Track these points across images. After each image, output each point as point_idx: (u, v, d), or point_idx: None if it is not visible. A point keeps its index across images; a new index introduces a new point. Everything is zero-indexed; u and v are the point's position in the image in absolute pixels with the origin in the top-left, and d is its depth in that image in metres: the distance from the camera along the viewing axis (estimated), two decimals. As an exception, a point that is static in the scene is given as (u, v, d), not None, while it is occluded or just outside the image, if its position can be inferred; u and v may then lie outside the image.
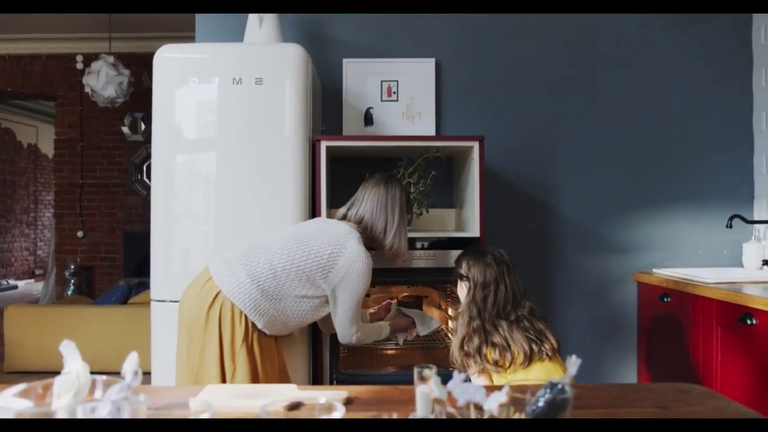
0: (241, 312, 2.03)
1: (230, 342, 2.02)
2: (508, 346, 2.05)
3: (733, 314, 2.47)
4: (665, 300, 2.98)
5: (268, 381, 2.05)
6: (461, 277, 2.27)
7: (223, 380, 2.00)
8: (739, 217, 3.13)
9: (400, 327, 2.67)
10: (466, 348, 2.12)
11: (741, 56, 3.36)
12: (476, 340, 2.09)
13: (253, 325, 2.06)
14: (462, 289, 2.28)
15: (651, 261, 3.31)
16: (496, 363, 2.05)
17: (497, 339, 2.07)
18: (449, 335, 3.09)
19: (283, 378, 2.16)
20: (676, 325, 2.92)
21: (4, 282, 9.75)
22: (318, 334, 2.70)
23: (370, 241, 2.32)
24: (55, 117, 6.92)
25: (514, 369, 2.03)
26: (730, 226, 3.11)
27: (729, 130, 3.35)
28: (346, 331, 2.22)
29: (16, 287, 9.98)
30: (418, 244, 2.73)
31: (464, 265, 2.27)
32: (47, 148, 10.22)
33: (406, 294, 3.14)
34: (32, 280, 10.55)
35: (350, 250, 2.13)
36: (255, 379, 2.03)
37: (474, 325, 2.13)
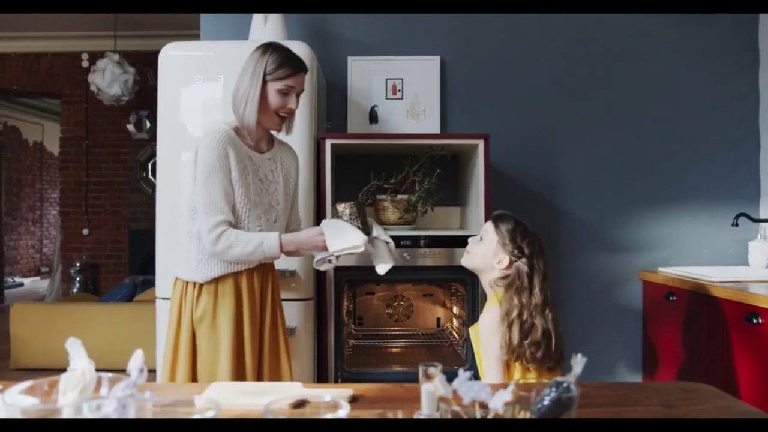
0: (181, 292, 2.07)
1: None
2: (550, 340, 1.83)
3: (739, 313, 2.46)
4: (671, 299, 2.97)
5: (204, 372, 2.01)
6: (511, 238, 1.96)
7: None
8: (745, 216, 3.12)
9: (308, 241, 2.07)
10: (510, 319, 1.85)
11: (747, 54, 3.34)
12: (529, 320, 1.84)
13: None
14: (496, 249, 1.96)
15: (656, 259, 3.30)
16: (537, 358, 1.81)
17: (544, 329, 1.84)
18: (453, 333, 3.09)
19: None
20: (681, 324, 2.91)
21: (10, 279, 9.78)
22: (323, 332, 2.70)
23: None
24: (60, 115, 6.93)
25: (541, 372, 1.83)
26: (736, 225, 3.10)
27: (735, 128, 3.33)
28: (203, 227, 1.96)
29: (21, 285, 10.01)
30: (423, 243, 2.73)
31: (511, 225, 1.98)
32: (53, 146, 10.24)
33: None
34: (38, 278, 10.58)
35: (207, 131, 2.05)
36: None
37: (533, 302, 1.87)
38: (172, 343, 2.05)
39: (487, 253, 1.98)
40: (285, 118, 2.13)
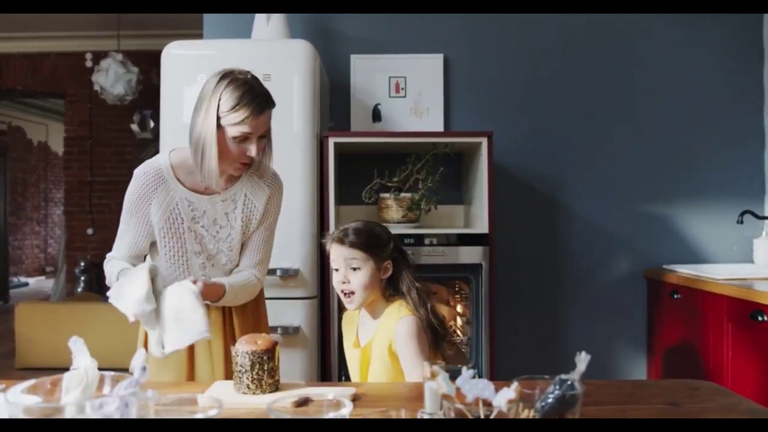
0: None
1: None
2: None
3: (743, 311, 2.45)
4: (675, 296, 2.96)
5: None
6: (384, 248, 1.84)
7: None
8: (750, 213, 3.10)
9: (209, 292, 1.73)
10: (427, 318, 1.80)
11: (752, 51, 3.33)
12: (433, 313, 1.82)
13: None
14: (376, 269, 1.81)
15: (661, 257, 3.29)
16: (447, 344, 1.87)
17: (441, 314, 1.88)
18: (458, 332, 3.09)
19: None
20: (686, 321, 2.90)
21: (15, 279, 9.81)
22: (326, 331, 2.70)
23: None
24: (64, 115, 6.94)
25: None
26: (741, 222, 3.09)
27: (740, 125, 3.32)
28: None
29: (26, 284, 10.04)
30: (427, 241, 2.72)
31: (363, 234, 1.84)
32: (57, 146, 10.26)
33: None
34: (43, 277, 10.60)
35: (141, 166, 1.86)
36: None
37: (420, 291, 1.84)
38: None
39: (372, 275, 1.80)
40: (249, 164, 1.82)
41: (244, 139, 1.73)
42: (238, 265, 1.92)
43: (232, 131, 1.71)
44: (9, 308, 7.46)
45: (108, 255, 1.91)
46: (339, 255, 1.81)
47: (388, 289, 1.85)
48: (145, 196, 1.80)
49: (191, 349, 1.85)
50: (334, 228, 2.69)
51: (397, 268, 1.85)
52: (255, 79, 1.77)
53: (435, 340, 1.80)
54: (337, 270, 1.82)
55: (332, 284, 1.90)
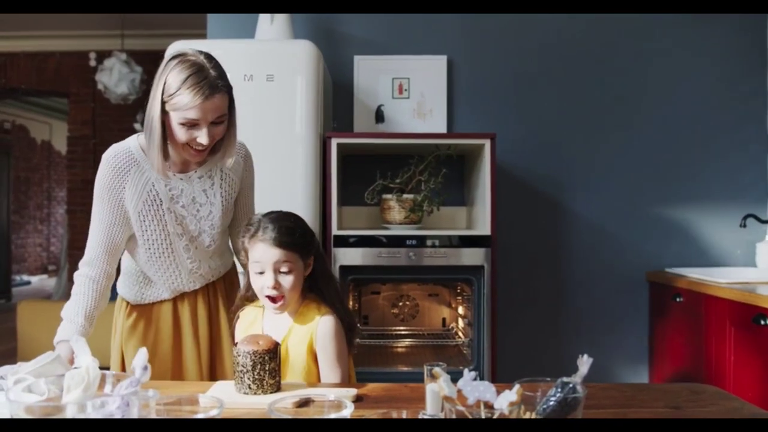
0: None
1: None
2: None
3: (746, 315, 2.44)
4: (677, 300, 2.96)
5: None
6: (312, 244, 1.70)
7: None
8: (753, 217, 3.10)
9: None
10: (347, 318, 1.72)
11: (755, 55, 3.32)
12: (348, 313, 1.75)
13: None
14: (303, 268, 1.66)
15: (663, 261, 3.29)
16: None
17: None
18: (459, 333, 3.08)
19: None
20: (688, 325, 2.90)
21: (18, 278, 9.82)
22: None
23: None
24: (68, 114, 6.96)
25: None
26: (744, 226, 3.08)
27: (742, 129, 3.31)
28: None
29: (29, 283, 10.06)
30: (429, 242, 2.72)
31: (308, 227, 1.72)
32: (60, 145, 10.28)
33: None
34: (45, 276, 10.62)
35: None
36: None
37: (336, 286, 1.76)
38: None
39: (300, 275, 1.64)
40: (204, 150, 1.67)
41: (192, 125, 1.60)
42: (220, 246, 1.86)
43: (176, 117, 1.59)
44: (11, 306, 7.48)
45: (81, 262, 1.76)
46: (267, 258, 1.59)
47: (304, 285, 1.69)
48: (118, 180, 1.70)
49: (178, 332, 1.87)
50: (335, 228, 2.71)
51: (317, 262, 1.70)
52: (209, 59, 1.64)
53: (348, 337, 1.69)
54: (261, 273, 1.61)
55: (248, 284, 1.71)
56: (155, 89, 1.61)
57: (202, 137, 1.61)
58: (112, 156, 1.72)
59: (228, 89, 1.65)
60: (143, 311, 1.88)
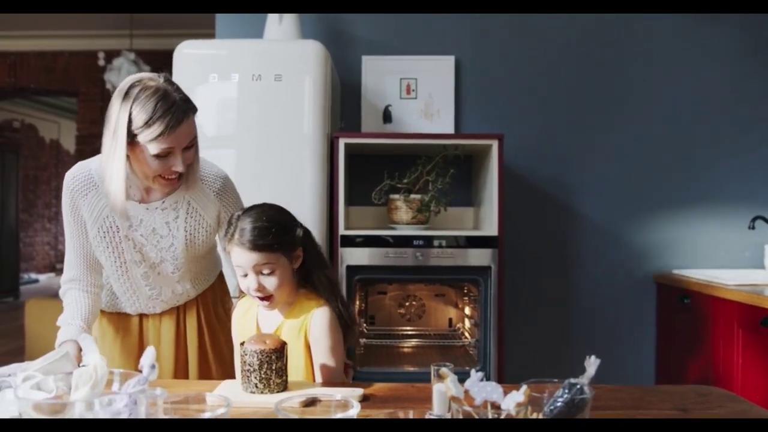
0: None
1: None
2: None
3: (754, 317, 2.43)
4: (685, 302, 2.94)
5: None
6: (292, 236, 1.61)
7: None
8: (762, 219, 3.09)
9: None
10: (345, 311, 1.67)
11: (764, 56, 3.30)
12: (345, 307, 1.69)
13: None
14: (289, 263, 1.59)
15: (671, 262, 3.27)
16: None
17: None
18: (466, 334, 3.08)
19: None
20: (696, 327, 2.88)
21: (26, 276, 9.87)
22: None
23: None
24: (76, 113, 6.99)
25: None
26: (753, 228, 3.07)
27: (751, 130, 3.30)
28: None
29: (37, 281, 10.11)
30: (436, 243, 2.72)
31: (286, 219, 1.63)
32: (69, 144, 10.33)
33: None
34: (53, 274, 10.67)
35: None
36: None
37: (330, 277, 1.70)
38: None
39: (286, 272, 1.58)
40: (176, 179, 1.63)
41: (166, 154, 1.55)
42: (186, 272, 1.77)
43: (151, 148, 1.52)
44: (19, 304, 7.51)
45: (62, 279, 1.72)
46: (245, 261, 1.53)
47: (296, 277, 1.64)
48: (76, 202, 1.66)
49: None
50: (342, 228, 2.71)
51: (306, 253, 1.64)
52: (169, 82, 1.58)
53: (345, 331, 1.65)
54: (245, 276, 1.56)
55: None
56: (116, 122, 1.52)
57: (178, 165, 1.57)
58: (71, 178, 1.67)
59: (195, 111, 1.61)
60: (111, 319, 1.83)
